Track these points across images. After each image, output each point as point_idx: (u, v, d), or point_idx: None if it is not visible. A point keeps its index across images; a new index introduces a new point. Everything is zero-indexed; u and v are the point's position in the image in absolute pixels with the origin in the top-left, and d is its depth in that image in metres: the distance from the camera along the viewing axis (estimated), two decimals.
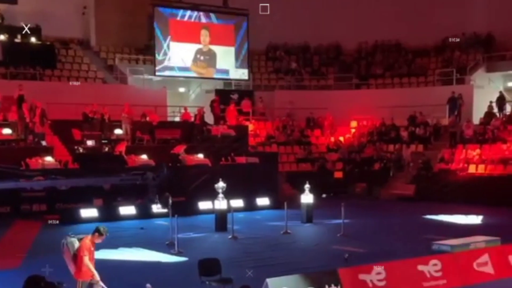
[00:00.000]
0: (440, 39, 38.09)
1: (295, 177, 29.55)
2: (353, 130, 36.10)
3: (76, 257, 9.97)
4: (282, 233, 20.01)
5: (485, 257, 13.99)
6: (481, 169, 29.27)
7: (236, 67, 36.16)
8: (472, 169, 29.51)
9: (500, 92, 33.90)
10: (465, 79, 34.83)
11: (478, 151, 30.36)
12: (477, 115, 33.41)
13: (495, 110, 33.12)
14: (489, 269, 13.94)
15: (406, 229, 20.91)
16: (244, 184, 25.27)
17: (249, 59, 37.11)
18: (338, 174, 32.37)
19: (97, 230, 10.16)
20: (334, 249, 17.13)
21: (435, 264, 13.25)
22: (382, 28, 37.55)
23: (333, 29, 37.97)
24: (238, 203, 24.00)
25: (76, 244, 10.08)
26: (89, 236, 10.13)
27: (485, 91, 34.57)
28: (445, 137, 32.71)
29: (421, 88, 36.22)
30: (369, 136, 34.91)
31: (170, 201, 17.81)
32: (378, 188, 31.15)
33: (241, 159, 28.10)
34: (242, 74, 36.51)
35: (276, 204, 25.61)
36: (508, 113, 32.90)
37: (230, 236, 19.30)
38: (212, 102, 33.54)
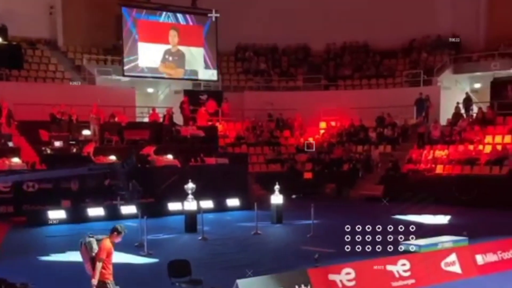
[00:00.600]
0: (407, 41, 38.49)
1: (265, 178, 29.64)
2: (322, 131, 36.24)
3: (95, 259, 9.95)
4: (252, 233, 20.03)
5: (452, 257, 14.18)
6: (448, 169, 29.60)
7: (205, 68, 36.09)
8: (439, 169, 29.83)
9: (467, 93, 34.34)
10: (432, 81, 35.24)
11: (445, 151, 30.72)
12: (444, 116, 33.80)
13: (462, 111, 33.53)
14: (456, 268, 14.13)
15: (375, 229, 20.98)
16: (214, 185, 25.27)
17: (218, 60, 37.05)
18: (308, 175, 32.49)
19: (115, 230, 10.13)
20: (304, 249, 17.18)
21: (403, 264, 13.40)
22: (350, 30, 37.82)
23: (301, 30, 38.11)
24: (208, 204, 24.00)
25: (95, 244, 10.04)
26: (108, 237, 10.09)
27: (452, 92, 35.01)
28: (413, 138, 33.03)
29: (389, 89, 36.53)
30: (338, 137, 35.09)
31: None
32: (347, 189, 31.36)
33: (211, 160, 28.08)
34: (211, 75, 36.45)
35: (246, 205, 25.63)
36: (474, 114, 33.29)
37: (200, 237, 19.27)
38: (182, 103, 33.41)
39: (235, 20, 35.82)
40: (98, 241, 10.06)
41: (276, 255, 17.02)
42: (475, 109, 33.85)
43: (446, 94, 34.73)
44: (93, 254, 9.98)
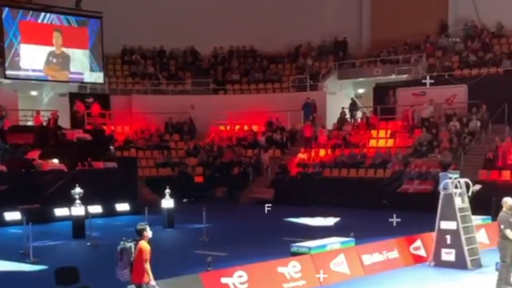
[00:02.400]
0: (293, 47, 39.24)
1: (155, 181, 29.41)
2: (212, 135, 36.27)
3: (135, 261, 9.97)
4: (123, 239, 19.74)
5: (341, 257, 14.54)
6: (335, 172, 30.40)
7: (91, 71, 35.31)
8: (327, 173, 30.58)
9: (352, 98, 35.40)
10: (318, 86, 36.06)
11: (331, 155, 31.52)
12: (331, 121, 34.67)
13: (347, 116, 34.53)
14: (344, 268, 14.51)
15: (266, 232, 21.31)
16: (102, 190, 24.81)
17: (105, 63, 36.36)
18: (199, 179, 32.49)
19: (142, 230, 10.08)
20: (196, 253, 17.13)
21: (294, 266, 13.60)
22: (237, 35, 38.11)
23: (188, 34, 37.93)
24: (96, 209, 23.47)
25: (133, 248, 10.02)
26: (141, 239, 10.05)
27: (337, 97, 35.99)
28: (301, 141, 33.70)
29: (276, 94, 37.10)
30: (228, 140, 35.27)
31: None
32: (238, 192, 31.60)
33: (99, 164, 27.56)
34: (97, 77, 35.70)
35: (136, 209, 25.39)
36: (359, 119, 34.38)
37: (88, 243, 18.84)
38: (75, 105, 32.64)
39: (121, 22, 35.26)
40: (135, 244, 10.06)
41: (168, 259, 16.83)
42: (359, 114, 34.92)
43: (332, 99, 35.65)
44: (132, 258, 9.99)
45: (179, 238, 21.10)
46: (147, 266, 9.97)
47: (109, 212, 25.11)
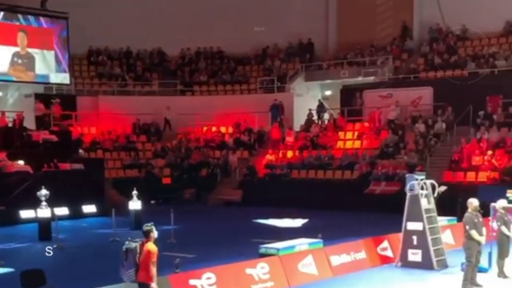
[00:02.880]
0: (260, 48, 39.30)
1: (122, 183, 29.21)
2: (179, 136, 36.14)
3: (142, 262, 10.01)
4: (110, 240, 19.62)
5: (309, 259, 14.62)
6: (303, 174, 30.53)
7: (57, 71, 34.91)
8: (295, 174, 30.70)
9: (319, 100, 35.57)
10: (286, 87, 36.17)
11: (299, 156, 31.64)
12: (298, 122, 34.80)
13: (315, 117, 34.70)
14: (313, 270, 14.58)
15: (235, 233, 21.32)
16: (69, 191, 24.60)
17: (71, 64, 36.00)
18: (166, 180, 32.37)
19: (149, 231, 10.11)
20: (164, 255, 16.99)
21: (262, 267, 13.63)
22: (204, 36, 38.03)
23: (155, 35, 37.80)
24: (63, 211, 23.16)
25: (138, 249, 10.05)
26: (147, 240, 10.08)
27: (305, 99, 36.13)
28: (269, 143, 33.77)
29: (244, 95, 37.11)
30: (195, 141, 35.19)
31: None
32: (206, 194, 31.56)
33: (65, 166, 27.30)
34: (63, 78, 35.29)
35: (103, 211, 25.22)
36: (326, 121, 34.56)
37: (55, 245, 18.65)
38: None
39: (87, 23, 34.93)
40: (140, 245, 10.10)
41: None
42: (327, 115, 35.11)
43: (299, 101, 35.79)
44: (137, 259, 10.03)
45: None
46: (154, 268, 10.05)
47: (76, 214, 24.81)
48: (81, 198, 25.38)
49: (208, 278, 12.56)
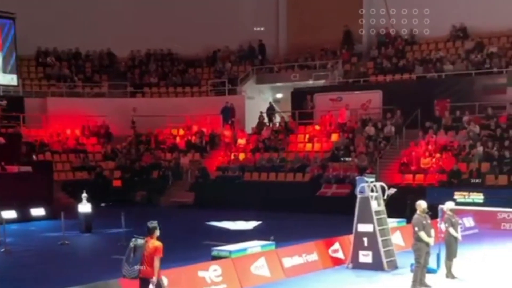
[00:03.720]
0: (211, 50, 39.24)
1: (71, 186, 28.85)
2: (129, 138, 35.80)
3: (147, 257, 10.37)
4: (59, 244, 19.38)
5: (261, 261, 14.67)
6: (255, 176, 30.59)
7: (4, 72, 34.28)
8: (247, 176, 30.74)
9: (270, 103, 35.70)
10: (237, 90, 36.20)
11: (251, 159, 31.70)
12: (250, 125, 34.86)
13: (266, 120, 34.81)
14: (265, 272, 14.63)
15: (187, 236, 21.24)
16: (16, 194, 24.30)
17: (18, 65, 35.35)
18: (117, 182, 32.04)
19: (154, 229, 10.54)
20: (114, 258, 16.87)
21: (215, 270, 13.62)
22: (154, 38, 37.80)
23: (105, 36, 37.41)
24: (10, 214, 22.94)
25: (144, 245, 10.40)
26: (152, 237, 10.50)
27: (256, 101, 36.21)
28: (220, 145, 33.74)
29: (195, 97, 37.06)
30: (147, 143, 34.94)
31: None
32: (158, 196, 31.35)
33: (13, 168, 26.78)
34: (10, 79, 34.68)
35: (52, 214, 24.91)
36: (278, 123, 34.71)
37: (2, 249, 18.31)
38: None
39: (35, 23, 34.44)
40: (145, 242, 10.46)
41: (86, 265, 16.63)
42: (278, 118, 35.26)
43: (251, 104, 35.87)
44: (144, 253, 10.37)
45: (97, 243, 20.77)
46: (158, 263, 10.38)
47: (24, 217, 24.55)
48: (29, 201, 25.10)
49: None
